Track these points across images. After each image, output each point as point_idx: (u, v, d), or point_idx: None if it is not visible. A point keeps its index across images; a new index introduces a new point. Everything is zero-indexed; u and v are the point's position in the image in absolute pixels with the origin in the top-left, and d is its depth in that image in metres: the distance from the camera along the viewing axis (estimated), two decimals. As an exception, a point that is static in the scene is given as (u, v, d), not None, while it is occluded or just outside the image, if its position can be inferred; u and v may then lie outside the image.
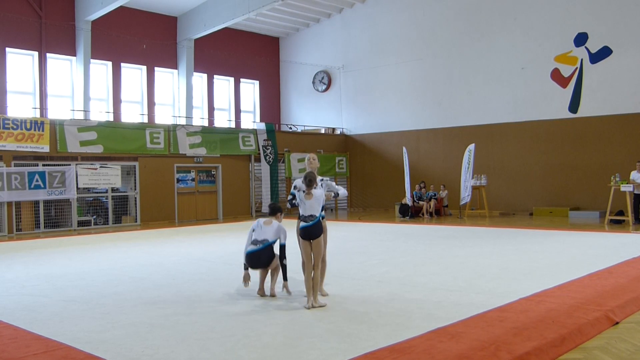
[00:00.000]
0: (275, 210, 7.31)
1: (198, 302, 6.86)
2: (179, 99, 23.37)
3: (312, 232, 6.47)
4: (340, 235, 14.27)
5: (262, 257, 6.98)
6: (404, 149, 20.91)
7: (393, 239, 13.30)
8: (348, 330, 5.40)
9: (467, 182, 19.43)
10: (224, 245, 12.86)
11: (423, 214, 19.88)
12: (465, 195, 19.47)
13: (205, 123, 23.74)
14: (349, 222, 18.51)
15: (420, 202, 20.16)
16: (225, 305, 6.58)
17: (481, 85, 21.35)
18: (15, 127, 16.30)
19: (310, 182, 6.57)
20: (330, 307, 6.39)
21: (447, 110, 22.25)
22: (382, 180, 24.18)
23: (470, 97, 21.63)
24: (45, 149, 16.87)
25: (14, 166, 16.35)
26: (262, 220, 7.21)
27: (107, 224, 18.21)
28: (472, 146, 19.63)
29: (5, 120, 16.18)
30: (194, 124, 22.50)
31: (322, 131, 25.56)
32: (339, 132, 25.70)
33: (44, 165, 16.92)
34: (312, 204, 6.51)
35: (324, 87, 26.15)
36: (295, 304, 6.52)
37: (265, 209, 22.01)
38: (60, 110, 20.06)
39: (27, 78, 19.74)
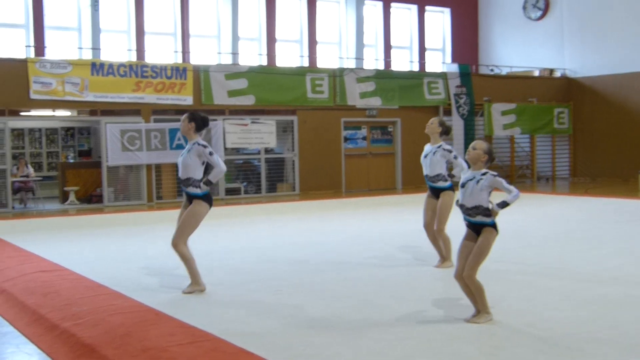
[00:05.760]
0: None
1: (369, 295, 7.04)
2: (347, 35, 23.69)
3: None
4: (557, 214, 13.85)
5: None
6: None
7: (634, 220, 12.67)
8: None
9: None
10: (402, 222, 12.92)
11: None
12: None
13: (381, 66, 23.89)
14: (570, 196, 17.88)
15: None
16: (397, 301, 6.69)
17: None
18: (154, 75, 17.53)
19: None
20: (505, 320, 6.25)
21: None
22: (621, 140, 22.91)
23: None
24: (188, 100, 17.91)
25: (154, 122, 17.66)
26: None
27: (260, 192, 19.00)
28: None
29: (143, 67, 17.47)
30: (365, 67, 22.72)
31: (536, 73, 24.68)
32: (559, 75, 24.67)
33: (186, 120, 18.06)
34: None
35: (539, 13, 25.16)
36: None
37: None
38: (205, 53, 21.05)
39: (168, 17, 20.83)
